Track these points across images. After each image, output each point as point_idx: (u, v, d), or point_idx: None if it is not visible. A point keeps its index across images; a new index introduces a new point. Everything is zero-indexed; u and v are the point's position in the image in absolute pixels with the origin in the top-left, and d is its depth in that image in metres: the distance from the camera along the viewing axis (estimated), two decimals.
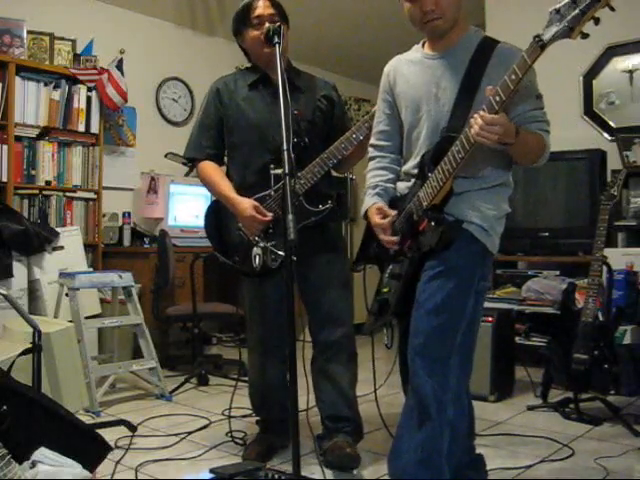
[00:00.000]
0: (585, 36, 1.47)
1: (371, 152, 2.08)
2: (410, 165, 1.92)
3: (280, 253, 2.23)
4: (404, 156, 1.98)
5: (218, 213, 2.44)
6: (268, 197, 2.32)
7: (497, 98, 1.58)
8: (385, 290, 1.96)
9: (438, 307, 1.74)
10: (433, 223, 1.76)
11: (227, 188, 2.35)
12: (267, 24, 2.24)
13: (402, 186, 1.96)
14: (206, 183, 2.43)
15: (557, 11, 1.47)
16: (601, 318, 3.00)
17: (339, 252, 2.48)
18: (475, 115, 1.62)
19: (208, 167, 2.42)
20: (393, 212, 1.92)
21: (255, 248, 2.30)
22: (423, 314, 1.76)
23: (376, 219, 1.93)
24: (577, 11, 1.44)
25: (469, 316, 1.78)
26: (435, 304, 1.74)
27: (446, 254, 1.76)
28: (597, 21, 1.44)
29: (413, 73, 1.91)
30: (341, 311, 2.39)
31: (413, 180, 1.89)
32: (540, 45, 1.51)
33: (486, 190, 1.81)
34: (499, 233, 1.85)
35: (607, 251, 3.07)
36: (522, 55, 1.55)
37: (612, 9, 1.45)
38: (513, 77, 1.55)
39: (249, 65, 2.50)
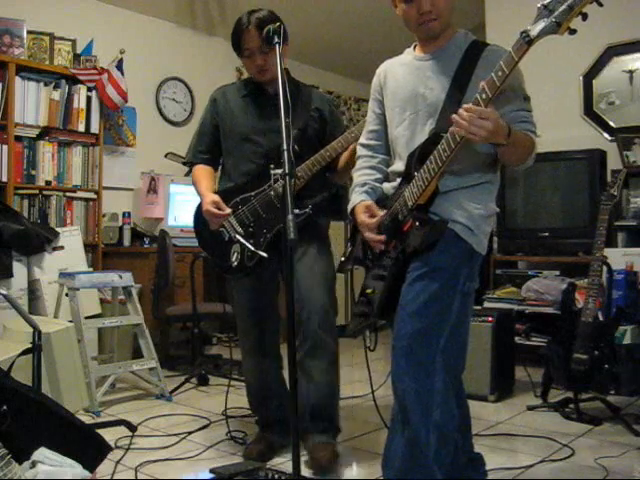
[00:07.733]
0: (572, 32, 1.45)
1: (360, 151, 2.06)
2: (397, 165, 1.90)
3: (262, 254, 2.27)
4: (391, 156, 1.96)
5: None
6: (252, 197, 2.39)
7: (483, 95, 1.57)
8: (369, 292, 1.92)
9: (421, 309, 1.71)
10: (417, 223, 1.73)
11: (204, 187, 2.44)
12: (258, 54, 2.33)
13: (388, 187, 1.93)
14: (193, 184, 2.53)
15: (545, 6, 1.46)
16: (601, 318, 3.00)
17: (322, 248, 2.45)
18: (460, 110, 1.57)
19: (198, 170, 2.53)
20: (381, 212, 1.88)
21: (234, 246, 2.38)
22: (406, 316, 1.74)
23: (363, 217, 1.89)
24: (565, 6, 1.42)
25: (455, 318, 1.74)
26: (418, 306, 1.72)
27: (430, 255, 1.73)
28: (585, 17, 1.43)
29: (402, 74, 1.91)
30: (319, 305, 2.34)
31: (399, 180, 1.86)
32: (527, 41, 1.49)
33: (472, 188, 1.78)
34: (487, 232, 1.82)
35: (607, 251, 3.07)
36: (509, 51, 1.53)
37: (600, 4, 1.43)
38: (500, 74, 1.54)
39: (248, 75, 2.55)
